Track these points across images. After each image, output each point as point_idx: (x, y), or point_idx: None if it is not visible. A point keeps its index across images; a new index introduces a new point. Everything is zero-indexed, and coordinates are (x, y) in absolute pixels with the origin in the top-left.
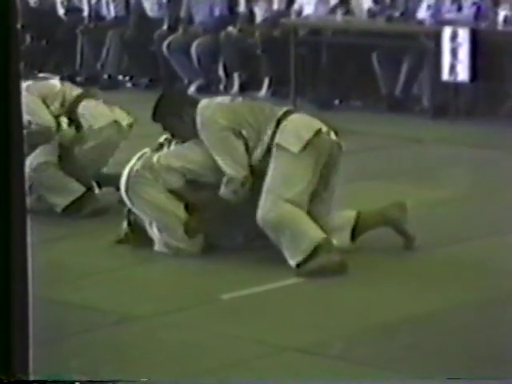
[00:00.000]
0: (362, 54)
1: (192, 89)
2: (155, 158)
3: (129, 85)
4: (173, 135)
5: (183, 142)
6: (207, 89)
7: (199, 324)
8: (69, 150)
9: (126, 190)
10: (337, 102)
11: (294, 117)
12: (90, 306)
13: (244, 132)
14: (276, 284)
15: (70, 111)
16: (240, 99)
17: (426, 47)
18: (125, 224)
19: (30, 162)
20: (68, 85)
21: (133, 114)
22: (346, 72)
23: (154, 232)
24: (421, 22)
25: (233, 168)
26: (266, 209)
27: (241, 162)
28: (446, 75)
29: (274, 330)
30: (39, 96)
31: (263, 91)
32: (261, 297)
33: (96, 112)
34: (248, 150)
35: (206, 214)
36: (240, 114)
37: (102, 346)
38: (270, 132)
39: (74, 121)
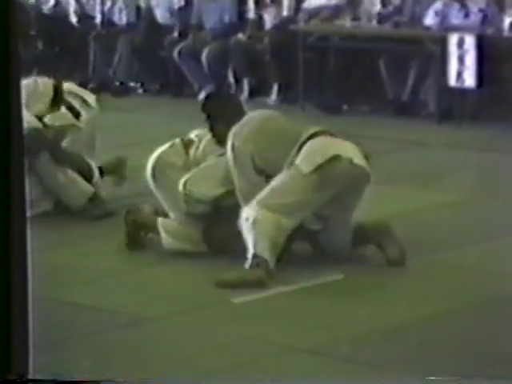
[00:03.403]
0: (370, 59)
1: (202, 94)
2: (183, 182)
3: (140, 91)
4: (211, 128)
5: (216, 139)
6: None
7: (208, 325)
8: (60, 139)
9: (153, 175)
10: (344, 106)
11: (316, 140)
12: (100, 307)
13: (266, 164)
14: (284, 288)
15: (62, 100)
16: (272, 116)
17: (433, 53)
18: (124, 228)
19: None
20: (41, 80)
21: (143, 119)
22: (353, 77)
23: (169, 224)
24: (428, 28)
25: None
26: (246, 211)
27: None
28: (452, 81)
29: (283, 331)
30: None
31: (273, 97)
32: (270, 299)
33: (82, 90)
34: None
35: (226, 228)
36: (267, 141)
37: (112, 347)
38: (293, 154)
39: (70, 107)
